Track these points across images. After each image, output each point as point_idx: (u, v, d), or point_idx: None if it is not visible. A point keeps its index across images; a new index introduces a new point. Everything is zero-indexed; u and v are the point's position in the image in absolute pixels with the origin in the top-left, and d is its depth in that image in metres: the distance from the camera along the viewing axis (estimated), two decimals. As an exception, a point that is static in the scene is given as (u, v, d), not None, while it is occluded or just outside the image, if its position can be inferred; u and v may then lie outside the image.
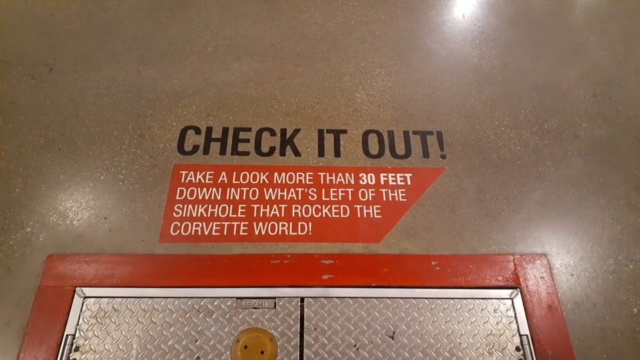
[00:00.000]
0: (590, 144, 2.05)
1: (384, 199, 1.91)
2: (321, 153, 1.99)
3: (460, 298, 1.69)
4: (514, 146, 2.03)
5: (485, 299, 1.69)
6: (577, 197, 1.91)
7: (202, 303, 1.65)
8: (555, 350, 1.59)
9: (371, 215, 1.87)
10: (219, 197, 1.87)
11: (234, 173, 1.93)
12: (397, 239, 1.82)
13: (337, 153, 1.99)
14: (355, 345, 1.59)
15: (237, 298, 1.67)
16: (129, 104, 2.06)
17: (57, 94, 2.07)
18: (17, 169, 1.88)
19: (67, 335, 1.56)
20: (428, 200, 1.90)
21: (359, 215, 1.87)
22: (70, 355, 1.54)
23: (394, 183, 1.94)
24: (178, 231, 1.78)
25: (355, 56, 2.26)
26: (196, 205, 1.85)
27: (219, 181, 1.91)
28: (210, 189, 1.88)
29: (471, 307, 1.68)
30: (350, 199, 1.90)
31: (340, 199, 1.89)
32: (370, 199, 1.90)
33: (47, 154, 1.92)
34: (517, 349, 1.61)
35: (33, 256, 1.72)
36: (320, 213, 1.86)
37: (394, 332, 1.62)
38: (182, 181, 1.89)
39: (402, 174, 1.96)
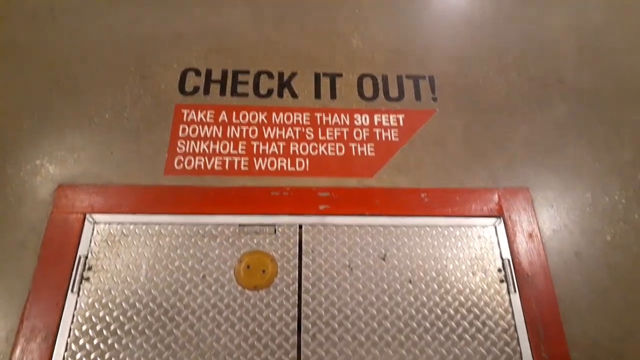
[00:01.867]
0: (574, 89, 2.24)
1: (378, 138, 2.09)
2: (317, 95, 2.16)
3: (447, 226, 1.89)
4: (501, 90, 2.22)
5: (470, 226, 1.89)
6: (559, 137, 2.11)
7: (206, 229, 1.84)
8: (534, 271, 1.80)
9: (365, 153, 2.05)
10: (219, 135, 2.05)
11: (234, 112, 2.10)
12: (389, 174, 2.00)
13: (333, 95, 2.17)
14: (349, 266, 1.79)
15: (240, 225, 1.86)
16: (130, 48, 2.20)
17: (60, 37, 2.20)
18: (24, 106, 2.03)
19: (80, 257, 1.73)
20: (419, 140, 2.08)
21: (353, 153, 2.05)
22: (84, 273, 1.72)
23: (387, 124, 2.12)
24: (182, 165, 1.95)
25: (351, 2, 2.41)
26: (198, 142, 2.02)
27: (220, 120, 2.08)
28: (212, 127, 2.05)
29: (457, 233, 1.88)
30: (345, 138, 2.08)
31: (335, 138, 2.07)
32: (365, 138, 2.08)
33: (53, 93, 2.07)
34: (499, 270, 1.82)
35: (43, 187, 1.88)
36: (316, 151, 2.04)
37: (385, 255, 1.82)
38: (184, 119, 2.06)
39: (395, 115, 2.14)
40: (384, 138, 2.08)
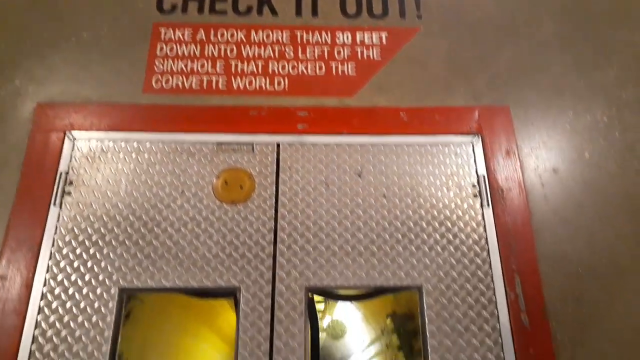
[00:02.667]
0: (562, 7, 2.17)
1: (359, 57, 2.07)
2: (298, 12, 2.14)
3: (424, 144, 1.91)
4: (488, 8, 2.17)
5: (448, 144, 1.92)
6: (544, 56, 2.08)
7: (184, 146, 1.87)
8: (509, 186, 1.83)
9: (346, 73, 2.04)
10: (197, 54, 2.04)
11: (212, 31, 2.08)
12: (369, 93, 2.00)
13: (315, 12, 2.14)
14: (325, 182, 1.83)
15: (218, 143, 1.89)
16: (106, -36, 2.15)
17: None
18: (1, 26, 2.02)
19: (61, 172, 1.79)
20: (402, 58, 2.07)
21: (333, 73, 2.04)
22: (65, 188, 1.77)
23: (370, 42, 2.10)
24: (160, 84, 1.96)
25: None
26: (176, 61, 2.01)
27: (198, 39, 2.06)
28: (190, 45, 2.04)
29: (434, 151, 1.91)
30: (326, 57, 2.06)
31: (316, 57, 2.06)
32: (346, 57, 2.07)
33: (31, 12, 2.04)
34: (474, 185, 1.85)
35: (23, 106, 1.91)
36: (296, 70, 2.03)
37: (361, 172, 1.86)
38: (162, 38, 2.05)
39: (377, 33, 2.12)
40: (365, 57, 2.07)
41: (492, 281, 1.71)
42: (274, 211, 1.80)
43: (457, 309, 1.67)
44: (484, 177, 1.84)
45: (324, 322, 1.89)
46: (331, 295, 1.75)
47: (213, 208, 1.79)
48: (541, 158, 1.90)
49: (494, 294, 1.69)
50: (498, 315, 1.66)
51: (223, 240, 1.74)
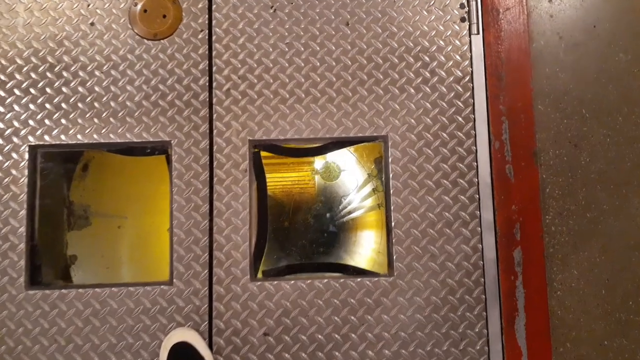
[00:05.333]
0: None
1: None
2: None
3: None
4: None
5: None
6: None
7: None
8: (507, 5, 1.41)
9: None
10: None
11: None
12: None
13: None
14: (272, 7, 1.43)
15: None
16: None
17: None
18: None
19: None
20: None
21: None
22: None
23: None
24: None
25: None
26: None
27: None
28: None
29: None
30: None
31: None
32: None
33: None
34: (461, 5, 1.42)
35: None
36: None
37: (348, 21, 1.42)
38: None
39: None
40: None
41: (474, 128, 1.42)
42: (207, 47, 1.45)
43: (428, 162, 1.41)
44: (476, -6, 1.41)
45: (317, 165, 1.72)
46: (280, 150, 1.48)
47: (132, 45, 1.44)
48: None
49: (475, 143, 1.42)
50: (477, 168, 1.41)
51: (147, 86, 1.42)
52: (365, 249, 1.71)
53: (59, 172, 1.64)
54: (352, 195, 1.69)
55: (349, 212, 1.68)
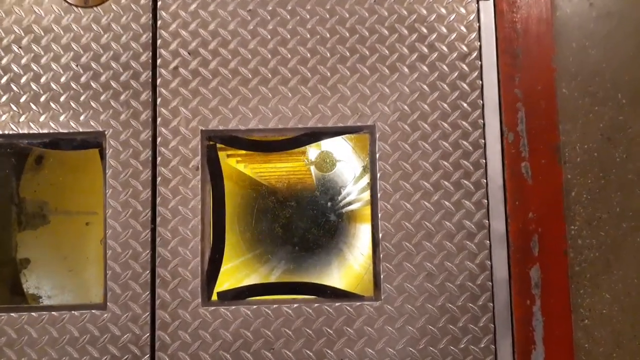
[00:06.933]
0: None
1: None
2: None
3: None
4: None
5: None
6: None
7: None
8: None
9: None
10: None
11: None
12: None
13: None
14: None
15: None
16: None
17: None
18: None
19: None
20: None
21: None
22: None
23: None
24: None
25: None
26: None
27: None
28: None
29: None
30: None
31: None
32: None
33: None
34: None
35: None
36: None
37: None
38: None
39: None
40: None
41: (483, 116, 1.14)
42: (150, 16, 1.14)
43: (425, 158, 1.15)
44: None
45: (310, 154, 1.50)
46: (240, 142, 1.18)
47: (58, 13, 1.18)
48: None
49: (484, 136, 1.15)
50: (486, 166, 1.14)
51: (76, 63, 1.16)
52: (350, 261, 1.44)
53: (2, 166, 1.43)
54: (349, 188, 1.45)
55: (345, 206, 1.47)
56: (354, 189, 1.50)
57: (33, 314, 1.15)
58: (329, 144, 1.51)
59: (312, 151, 1.53)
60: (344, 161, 1.53)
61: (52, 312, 1.15)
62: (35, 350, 1.14)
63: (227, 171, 1.40)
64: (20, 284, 1.46)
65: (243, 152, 1.51)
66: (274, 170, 1.60)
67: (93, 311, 1.15)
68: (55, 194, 1.52)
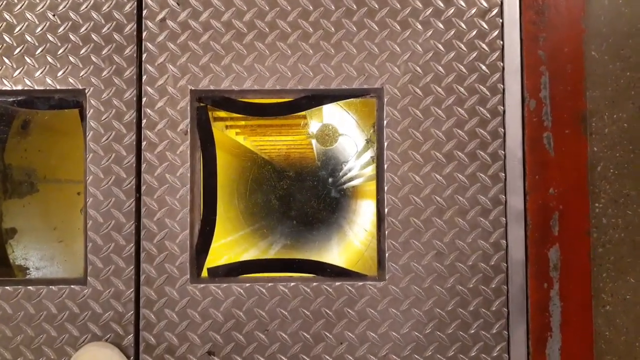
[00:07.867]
0: None
1: None
2: None
3: None
4: None
5: None
6: None
7: None
8: None
9: None
10: None
11: None
12: None
13: None
14: None
15: None
16: None
17: None
18: None
19: None
20: None
21: None
22: None
23: None
24: None
25: None
26: None
27: None
28: None
29: None
30: None
31: None
32: None
33: None
34: None
35: None
36: None
37: None
38: None
39: None
40: None
41: (502, 80, 1.02)
42: None
43: (437, 126, 1.03)
44: None
45: (312, 127, 1.40)
46: (233, 105, 1.07)
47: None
48: None
49: (503, 102, 1.02)
50: (505, 135, 1.02)
51: (52, 13, 1.02)
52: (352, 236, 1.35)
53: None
54: (351, 163, 1.38)
55: (348, 181, 1.38)
56: (357, 163, 1.40)
57: (7, 287, 1.06)
58: (331, 117, 1.40)
59: (314, 124, 1.43)
60: (347, 135, 1.43)
61: (28, 287, 1.06)
62: (9, 327, 1.06)
63: (226, 142, 1.29)
64: (7, 255, 1.37)
65: (242, 122, 1.41)
66: (274, 143, 1.50)
67: (72, 286, 1.06)
68: (44, 161, 1.43)
